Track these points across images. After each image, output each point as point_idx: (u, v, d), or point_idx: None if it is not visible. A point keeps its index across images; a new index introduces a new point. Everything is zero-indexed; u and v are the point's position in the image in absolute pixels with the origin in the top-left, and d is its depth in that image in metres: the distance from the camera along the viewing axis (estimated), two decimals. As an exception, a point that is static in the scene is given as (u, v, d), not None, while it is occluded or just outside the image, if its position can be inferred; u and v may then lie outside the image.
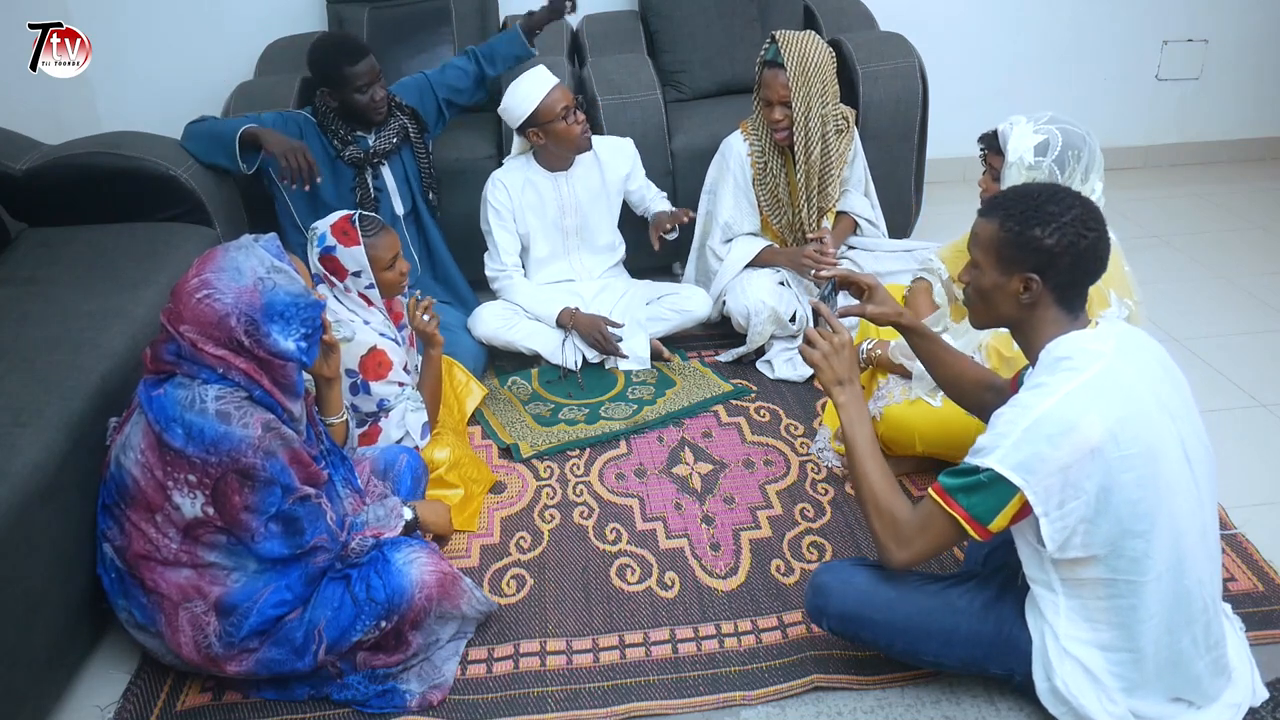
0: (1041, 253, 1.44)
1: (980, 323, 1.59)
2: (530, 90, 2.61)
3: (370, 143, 2.71)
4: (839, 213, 2.86)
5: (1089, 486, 1.38)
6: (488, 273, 2.81)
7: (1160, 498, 1.40)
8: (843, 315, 1.79)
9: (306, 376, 1.89)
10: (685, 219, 2.79)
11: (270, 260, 1.61)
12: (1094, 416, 1.36)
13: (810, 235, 2.69)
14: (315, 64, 2.67)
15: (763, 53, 2.64)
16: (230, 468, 1.55)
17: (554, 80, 2.64)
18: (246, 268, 1.58)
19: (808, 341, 1.65)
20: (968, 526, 1.43)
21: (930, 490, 1.48)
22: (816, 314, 1.69)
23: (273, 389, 1.62)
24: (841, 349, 1.63)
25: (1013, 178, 1.88)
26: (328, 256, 2.09)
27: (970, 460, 1.43)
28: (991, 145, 2.00)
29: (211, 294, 1.56)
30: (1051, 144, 1.87)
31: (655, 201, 2.92)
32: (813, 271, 2.60)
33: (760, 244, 2.80)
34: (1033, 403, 1.40)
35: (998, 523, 1.42)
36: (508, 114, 2.67)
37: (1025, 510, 1.40)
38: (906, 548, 1.51)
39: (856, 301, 1.83)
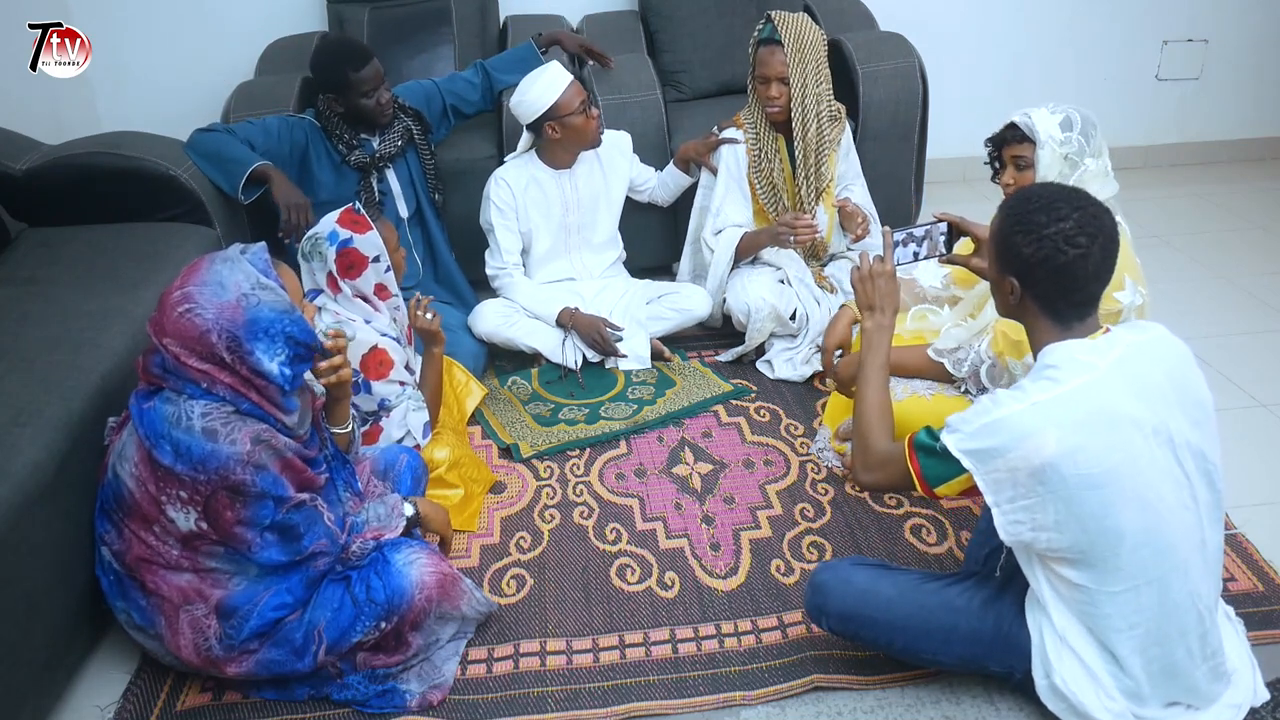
0: (1020, 261, 1.45)
1: (998, 309, 1.61)
2: (549, 85, 2.63)
3: (375, 146, 2.71)
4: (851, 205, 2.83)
5: (1043, 492, 1.39)
6: (488, 270, 2.80)
7: (1134, 516, 1.39)
8: (949, 262, 1.92)
9: (319, 384, 1.88)
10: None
11: (256, 276, 1.55)
12: (1052, 432, 1.37)
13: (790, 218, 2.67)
14: (319, 70, 2.66)
15: (757, 32, 2.65)
16: (220, 485, 1.53)
17: (570, 76, 2.66)
18: (230, 282, 1.54)
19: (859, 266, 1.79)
20: (917, 481, 1.52)
21: (906, 437, 1.55)
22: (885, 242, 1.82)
23: (261, 401, 1.58)
24: (878, 277, 1.74)
25: (1047, 157, 1.91)
26: (347, 250, 2.08)
27: (940, 430, 1.48)
28: (1015, 136, 1.99)
29: (192, 308, 1.52)
30: (1072, 120, 1.91)
31: (663, 174, 2.96)
32: (792, 239, 2.62)
33: (739, 232, 2.78)
34: (1005, 402, 1.42)
35: (944, 489, 1.50)
36: (523, 108, 2.67)
37: (978, 489, 1.44)
38: (868, 473, 1.63)
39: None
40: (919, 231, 1.87)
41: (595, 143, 2.73)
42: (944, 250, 1.90)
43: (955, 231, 1.90)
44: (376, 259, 2.10)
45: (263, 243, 1.66)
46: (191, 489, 1.54)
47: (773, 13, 2.62)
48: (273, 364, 1.55)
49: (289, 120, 2.69)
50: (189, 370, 1.53)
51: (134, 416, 1.58)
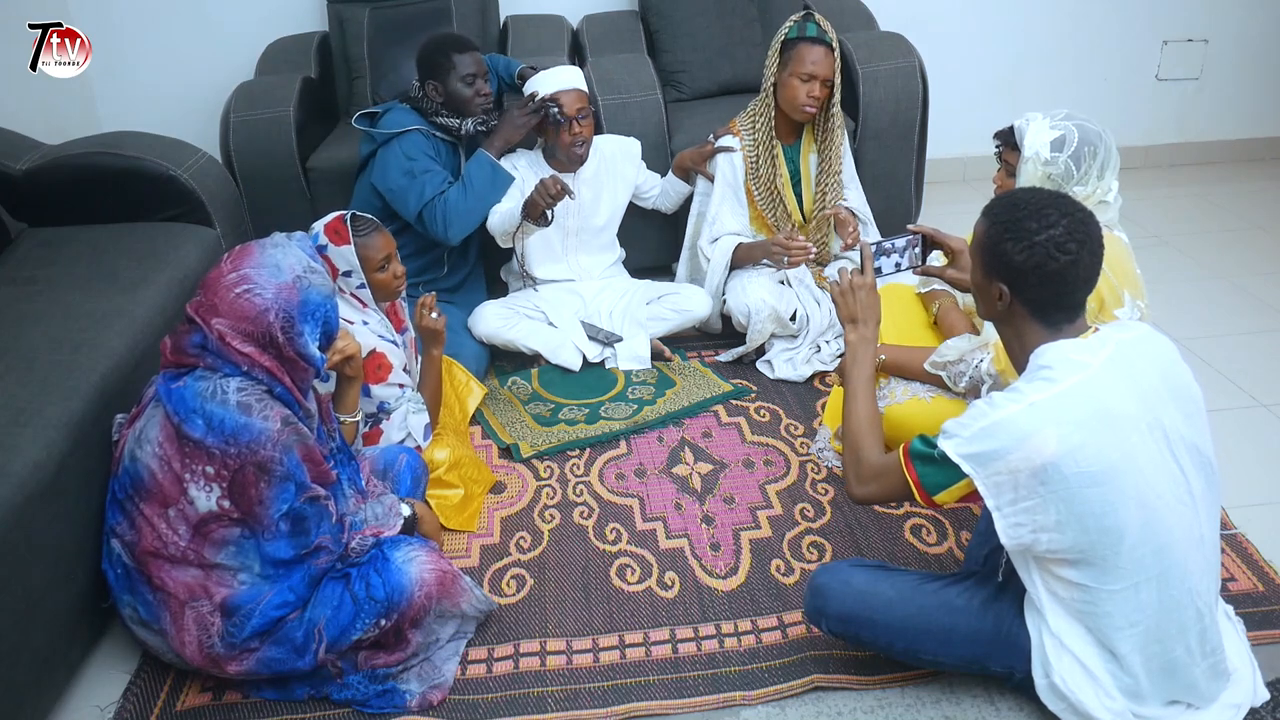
0: (1010, 268, 1.45)
1: (980, 313, 1.61)
2: (547, 82, 2.66)
3: (471, 128, 2.70)
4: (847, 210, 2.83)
5: (1045, 493, 1.38)
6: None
7: (1133, 513, 1.39)
8: (925, 274, 1.92)
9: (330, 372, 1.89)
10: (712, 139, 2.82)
11: (306, 260, 1.65)
12: (1052, 431, 1.37)
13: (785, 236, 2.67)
14: (425, 55, 2.69)
15: (794, 27, 2.63)
16: (248, 459, 1.57)
17: (572, 83, 2.67)
18: (285, 265, 1.61)
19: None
20: (915, 491, 1.50)
21: (900, 447, 1.53)
22: (862, 255, 1.80)
23: (292, 387, 1.65)
24: (859, 289, 1.74)
25: (1028, 173, 1.89)
26: (319, 256, 2.08)
27: (936, 437, 1.47)
28: (1007, 141, 1.99)
29: (251, 289, 1.58)
30: (1068, 140, 1.87)
31: (664, 182, 2.96)
32: (785, 260, 2.62)
33: (735, 241, 2.79)
34: (1002, 404, 1.42)
35: (943, 497, 1.48)
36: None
37: (977, 495, 1.43)
38: (862, 486, 1.60)
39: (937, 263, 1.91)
40: (900, 242, 1.86)
41: (572, 157, 2.70)
42: (919, 262, 1.90)
43: (929, 244, 1.90)
44: (347, 274, 2.10)
45: (301, 233, 1.73)
46: (220, 463, 1.57)
47: (814, 12, 2.63)
48: (314, 346, 1.64)
49: (411, 138, 2.62)
50: (231, 351, 1.58)
51: (161, 395, 1.61)
